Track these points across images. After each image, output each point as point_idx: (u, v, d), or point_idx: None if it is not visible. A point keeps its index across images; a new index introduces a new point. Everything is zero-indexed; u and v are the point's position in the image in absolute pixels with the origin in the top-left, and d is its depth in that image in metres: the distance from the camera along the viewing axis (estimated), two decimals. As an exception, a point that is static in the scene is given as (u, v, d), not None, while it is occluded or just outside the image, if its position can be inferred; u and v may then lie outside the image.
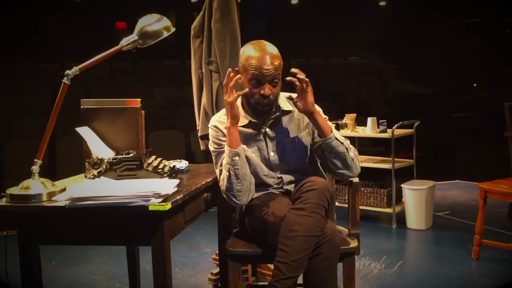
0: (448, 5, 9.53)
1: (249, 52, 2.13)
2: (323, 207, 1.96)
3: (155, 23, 2.11)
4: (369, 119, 4.41)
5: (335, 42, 10.60)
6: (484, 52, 9.91)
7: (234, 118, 2.07)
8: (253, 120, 2.21)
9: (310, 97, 2.09)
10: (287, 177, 2.25)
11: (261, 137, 2.23)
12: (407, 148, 4.54)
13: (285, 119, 2.25)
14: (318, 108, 2.21)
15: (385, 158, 4.58)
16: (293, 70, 2.09)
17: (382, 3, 11.64)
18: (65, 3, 9.93)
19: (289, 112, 2.25)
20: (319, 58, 10.75)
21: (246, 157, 2.17)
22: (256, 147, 2.23)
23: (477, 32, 10.56)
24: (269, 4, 9.35)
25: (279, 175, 2.25)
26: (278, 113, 2.23)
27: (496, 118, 4.87)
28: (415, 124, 4.48)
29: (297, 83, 2.08)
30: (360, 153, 4.63)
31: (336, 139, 2.13)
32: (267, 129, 2.23)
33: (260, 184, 2.24)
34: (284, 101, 2.26)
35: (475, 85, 10.30)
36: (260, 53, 2.10)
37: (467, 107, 8.50)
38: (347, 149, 2.15)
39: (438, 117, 7.86)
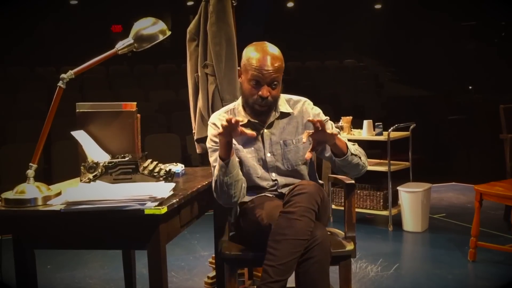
0: (443, 8, 9.57)
1: (250, 52, 2.14)
2: (313, 210, 1.95)
3: (150, 27, 2.11)
4: (365, 122, 4.42)
5: (331, 45, 10.63)
6: (480, 54, 9.96)
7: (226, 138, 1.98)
8: (252, 120, 2.21)
9: (331, 131, 2.00)
10: (282, 180, 2.25)
11: (259, 137, 2.23)
12: (403, 150, 4.55)
13: (283, 121, 2.25)
14: (322, 116, 2.25)
15: (381, 161, 4.59)
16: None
17: (378, 6, 11.68)
18: (60, 6, 9.92)
19: (288, 114, 2.26)
20: (315, 60, 10.78)
21: (241, 158, 2.18)
22: (253, 148, 2.23)
23: (472, 35, 10.60)
24: (265, 7, 9.37)
25: (274, 178, 2.25)
26: (277, 115, 2.23)
27: (491, 120, 4.88)
28: (411, 127, 4.49)
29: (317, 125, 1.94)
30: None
31: (352, 154, 2.10)
32: (265, 130, 2.23)
33: (254, 187, 2.23)
34: (284, 103, 2.26)
35: (470, 87, 10.34)
36: (261, 54, 2.11)
37: (463, 110, 8.53)
38: (360, 157, 2.14)
39: (434, 119, 7.88)
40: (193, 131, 3.12)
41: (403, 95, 9.31)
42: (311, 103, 2.32)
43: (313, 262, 1.92)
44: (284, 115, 2.25)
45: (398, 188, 4.31)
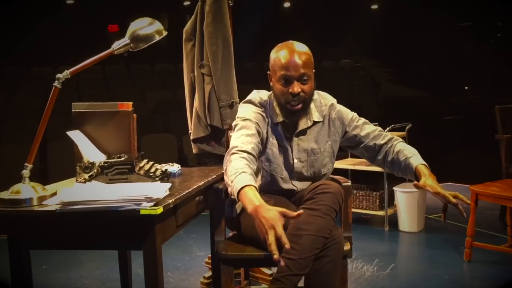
0: (439, 9, 9.59)
1: (276, 53, 2.15)
2: (335, 210, 1.97)
3: (147, 27, 2.10)
4: (361, 122, 4.42)
5: (328, 45, 10.64)
6: (476, 55, 9.99)
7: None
8: (287, 121, 2.20)
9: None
10: (300, 186, 2.25)
11: (290, 141, 2.23)
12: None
13: (314, 130, 2.25)
14: (352, 115, 2.34)
15: (377, 161, 4.58)
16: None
17: (375, 7, 11.70)
18: (57, 6, 9.90)
19: (319, 122, 2.26)
20: (312, 61, 10.77)
21: (273, 155, 2.19)
22: (284, 148, 2.23)
23: (468, 36, 10.63)
24: (262, 7, 9.37)
25: (294, 183, 2.25)
26: (309, 123, 2.23)
27: (487, 121, 4.90)
28: (407, 127, 4.51)
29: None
30: (352, 156, 4.64)
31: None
32: (294, 137, 2.22)
33: (271, 185, 2.24)
34: (315, 111, 2.26)
35: (466, 88, 10.38)
36: (287, 52, 2.11)
37: (459, 110, 8.56)
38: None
39: (430, 120, 7.90)
40: (190, 131, 3.11)
41: (400, 96, 9.32)
42: (338, 106, 2.34)
43: (327, 261, 1.94)
44: (315, 124, 2.25)
45: (394, 188, 4.32)
